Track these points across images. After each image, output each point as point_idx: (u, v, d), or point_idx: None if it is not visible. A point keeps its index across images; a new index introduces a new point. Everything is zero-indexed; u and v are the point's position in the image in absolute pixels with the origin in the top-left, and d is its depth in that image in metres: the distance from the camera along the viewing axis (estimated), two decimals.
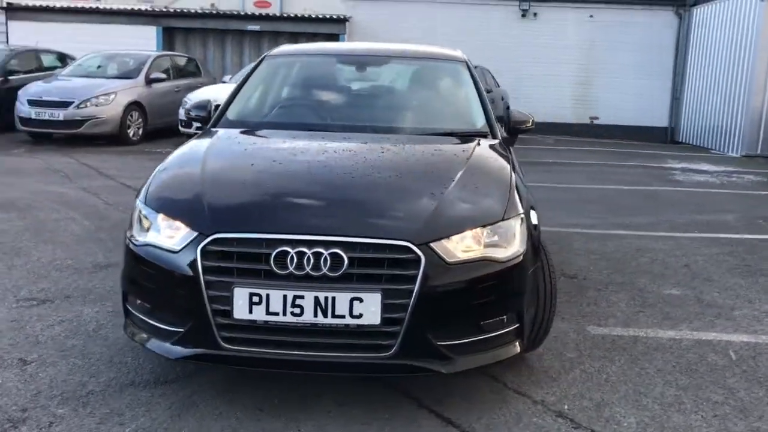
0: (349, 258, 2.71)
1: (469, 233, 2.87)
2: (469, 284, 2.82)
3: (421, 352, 2.79)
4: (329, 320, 2.70)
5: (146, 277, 2.94)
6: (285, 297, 2.69)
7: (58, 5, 16.93)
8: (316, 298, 2.68)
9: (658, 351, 3.71)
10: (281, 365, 2.77)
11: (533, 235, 3.16)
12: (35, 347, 3.49)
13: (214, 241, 2.77)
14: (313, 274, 2.70)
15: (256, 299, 2.70)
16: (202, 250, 2.76)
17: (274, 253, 2.71)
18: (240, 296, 2.71)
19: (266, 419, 2.86)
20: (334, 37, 16.55)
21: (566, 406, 3.08)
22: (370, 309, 2.69)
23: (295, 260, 2.69)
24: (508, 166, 3.46)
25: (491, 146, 3.77)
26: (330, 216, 2.88)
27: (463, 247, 2.84)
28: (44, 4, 16.88)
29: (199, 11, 16.90)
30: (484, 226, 2.93)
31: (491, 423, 2.91)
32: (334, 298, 2.68)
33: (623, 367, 3.49)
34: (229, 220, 2.86)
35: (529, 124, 4.23)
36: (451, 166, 3.35)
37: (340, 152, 3.48)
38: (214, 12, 17.04)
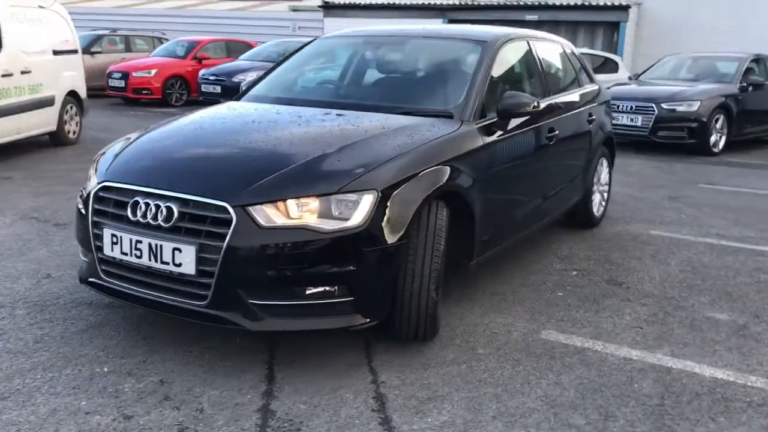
0: (179, 212, 3.02)
1: (293, 201, 2.96)
2: (279, 250, 2.92)
3: (232, 307, 2.98)
4: (159, 265, 3.05)
5: (78, 218, 3.59)
6: (131, 240, 3.11)
7: (364, 2, 18.89)
8: (150, 244, 3.06)
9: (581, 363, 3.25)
10: (130, 299, 3.20)
11: (401, 214, 3.09)
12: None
13: (101, 188, 3.31)
14: (151, 222, 3.07)
15: (115, 239, 3.18)
16: (94, 195, 3.33)
17: (130, 202, 3.15)
18: (107, 236, 3.21)
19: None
20: (614, 26, 15.73)
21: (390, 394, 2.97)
22: (186, 259, 2.98)
23: (143, 210, 3.10)
24: (413, 145, 3.37)
25: (431, 125, 3.65)
26: (180, 175, 3.20)
27: (286, 213, 2.95)
28: (353, 1, 18.97)
29: (482, 3, 17.41)
30: (317, 196, 2.98)
31: (315, 392, 2.97)
32: (161, 246, 3.02)
33: (502, 368, 3.17)
34: (116, 172, 3.36)
35: (526, 109, 3.91)
36: (352, 138, 3.40)
37: (271, 123, 3.74)
38: (496, 4, 17.38)
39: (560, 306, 4.00)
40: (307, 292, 2.98)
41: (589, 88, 5.63)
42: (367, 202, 3.01)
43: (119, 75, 15.45)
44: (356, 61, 4.68)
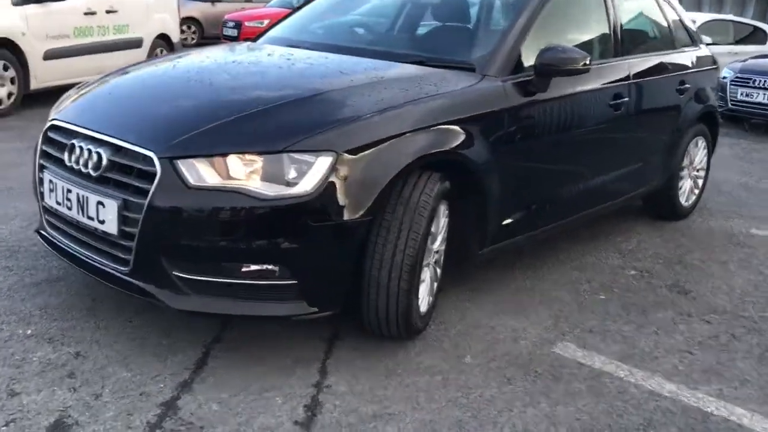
0: (108, 161, 2.57)
1: (235, 158, 2.42)
2: (209, 216, 2.39)
3: (154, 277, 2.50)
4: (85, 220, 2.62)
5: None
6: (63, 188, 2.70)
7: None
8: (78, 195, 2.63)
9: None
10: (66, 256, 2.79)
11: (368, 184, 2.49)
12: None
13: (50, 128, 2.92)
14: (82, 170, 2.64)
15: (51, 186, 2.78)
16: (42, 135, 2.94)
17: (68, 144, 2.73)
18: (46, 182, 2.82)
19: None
20: None
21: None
22: (108, 216, 2.53)
23: (77, 154, 2.67)
24: (403, 100, 2.71)
25: (440, 78, 2.97)
26: (118, 118, 2.73)
27: (225, 172, 2.42)
28: None
29: None
30: (260, 153, 2.42)
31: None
32: (87, 198, 2.59)
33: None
34: (68, 111, 2.95)
35: (571, 66, 3.13)
36: (329, 87, 2.80)
37: (250, 65, 3.20)
38: None
39: (596, 313, 3.25)
40: (243, 269, 2.45)
41: (688, 51, 4.66)
42: (321, 165, 2.42)
43: (233, 24, 15.41)
44: (376, 3, 4.04)
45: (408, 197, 2.61)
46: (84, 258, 2.70)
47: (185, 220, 2.42)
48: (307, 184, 2.40)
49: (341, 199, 2.44)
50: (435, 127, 2.73)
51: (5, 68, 6.75)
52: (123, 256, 2.54)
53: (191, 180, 2.41)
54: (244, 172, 2.42)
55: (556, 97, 3.28)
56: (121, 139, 2.57)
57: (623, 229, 4.50)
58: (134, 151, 2.51)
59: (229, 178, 2.42)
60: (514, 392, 2.55)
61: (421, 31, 3.81)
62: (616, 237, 4.33)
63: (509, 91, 3.08)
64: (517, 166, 3.12)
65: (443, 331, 2.96)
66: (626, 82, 3.81)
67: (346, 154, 2.46)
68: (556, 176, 3.47)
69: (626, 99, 3.76)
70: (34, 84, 7.11)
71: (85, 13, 7.73)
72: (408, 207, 2.60)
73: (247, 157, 2.43)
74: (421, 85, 2.87)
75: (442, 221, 2.89)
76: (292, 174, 2.41)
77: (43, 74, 7.15)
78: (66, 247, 2.79)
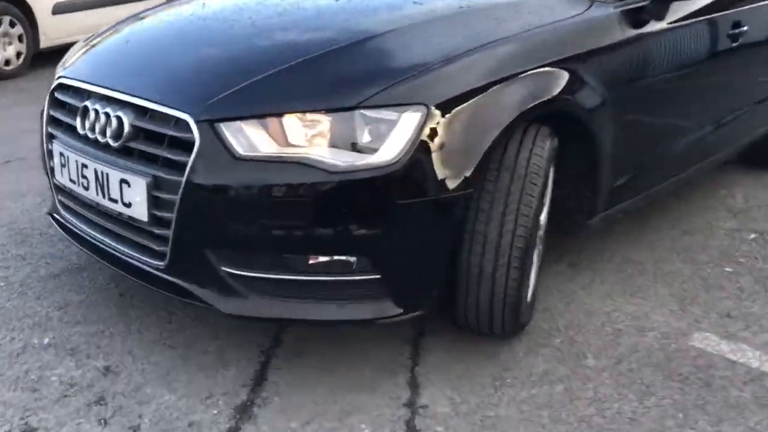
0: (132, 127, 2.01)
1: (292, 118, 1.85)
2: (265, 194, 1.83)
3: (198, 274, 1.97)
4: (107, 202, 2.08)
5: None
6: (77, 163, 2.15)
7: None
8: (96, 171, 2.08)
9: None
10: (85, 245, 2.26)
11: (468, 146, 1.91)
12: None
13: (57, 87, 2.36)
14: (99, 139, 2.09)
15: (63, 161, 2.23)
16: (50, 96, 2.38)
17: (80, 107, 2.17)
18: (56, 154, 2.28)
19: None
20: None
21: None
22: (136, 198, 1.98)
23: (91, 120, 2.12)
24: (500, 35, 2.10)
25: (540, 4, 2.33)
26: (145, 72, 2.15)
27: (281, 136, 1.85)
28: None
29: None
30: (327, 111, 1.85)
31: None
32: (107, 175, 2.04)
33: None
34: (77, 65, 2.38)
35: None
36: (398, 22, 2.17)
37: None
38: None
39: (726, 290, 2.67)
40: (311, 261, 1.90)
41: None
42: (409, 124, 1.84)
43: None
44: None
45: (514, 161, 2.03)
46: (108, 249, 2.16)
47: (235, 201, 1.86)
48: (389, 150, 1.83)
49: (434, 167, 1.87)
50: (541, 69, 2.12)
51: (11, 24, 6.17)
52: (157, 248, 2.00)
53: (240, 149, 1.84)
54: (305, 137, 1.85)
55: (672, 27, 2.63)
56: (145, 99, 2.00)
57: (725, 182, 3.87)
58: (164, 113, 1.95)
59: (288, 144, 1.85)
60: (659, 406, 2.00)
61: None
62: (720, 192, 3.71)
63: (623, 20, 2.45)
64: (631, 113, 2.50)
65: (551, 323, 2.40)
66: (747, 6, 3.15)
67: (436, 109, 1.87)
68: (672, 123, 2.84)
69: (746, 27, 3.10)
70: (45, 42, 6.53)
71: None
72: (515, 173, 2.02)
73: (309, 116, 1.86)
74: (519, 15, 2.26)
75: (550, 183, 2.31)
76: (368, 137, 1.84)
77: (53, 30, 6.56)
78: (85, 235, 2.26)
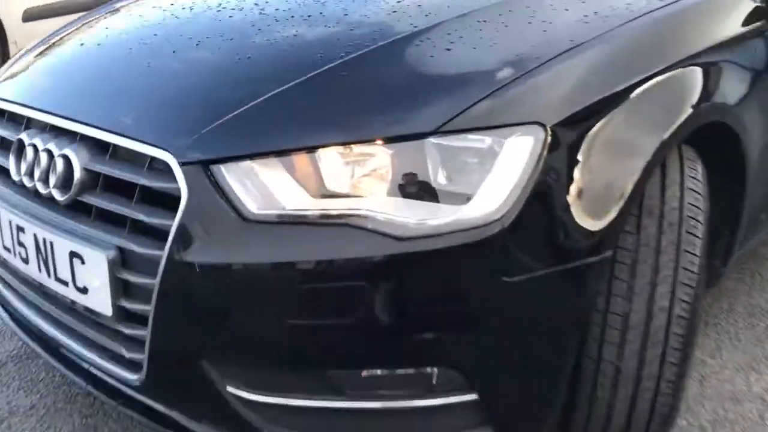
0: (86, 171, 1.32)
1: (332, 153, 1.17)
2: (299, 276, 1.15)
3: (190, 397, 1.28)
4: (53, 284, 1.39)
5: None
6: (11, 224, 1.46)
7: None
8: (35, 238, 1.39)
9: None
10: (36, 341, 1.57)
11: (609, 183, 1.23)
12: None
13: None
14: (40, 190, 1.39)
15: None
16: None
17: (15, 141, 1.49)
18: None
19: None
20: None
21: None
22: (93, 282, 1.30)
23: (29, 159, 1.43)
24: (624, 18, 1.41)
25: None
26: (103, 92, 1.44)
27: (314, 181, 1.17)
28: None
29: None
30: (386, 141, 1.16)
31: None
32: (52, 245, 1.35)
33: None
34: (9, 84, 1.68)
35: None
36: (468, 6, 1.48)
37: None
38: None
39: None
40: (364, 373, 1.22)
41: None
42: (518, 154, 1.16)
43: None
44: None
45: (660, 202, 1.35)
46: (60, 349, 1.48)
47: (247, 289, 1.17)
48: (490, 197, 1.14)
49: (560, 220, 1.19)
50: (686, 65, 1.44)
51: None
52: (128, 355, 1.31)
53: (251, 204, 1.16)
54: (352, 181, 1.18)
55: None
56: (105, 129, 1.32)
57: None
58: (133, 150, 1.27)
59: (325, 195, 1.17)
60: None
61: None
62: None
63: None
64: None
65: (690, 416, 1.71)
66: None
67: (557, 131, 1.19)
68: None
69: None
70: (15, 51, 5.85)
71: None
72: (665, 220, 1.34)
73: (357, 150, 1.17)
74: None
75: None
76: (453, 179, 1.16)
77: (24, 39, 5.85)
78: (30, 325, 1.57)
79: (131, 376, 1.31)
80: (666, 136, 1.31)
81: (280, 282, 1.15)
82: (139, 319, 1.26)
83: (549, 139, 1.17)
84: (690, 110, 1.40)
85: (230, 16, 1.57)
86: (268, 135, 1.20)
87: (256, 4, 1.60)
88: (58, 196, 1.35)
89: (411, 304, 1.15)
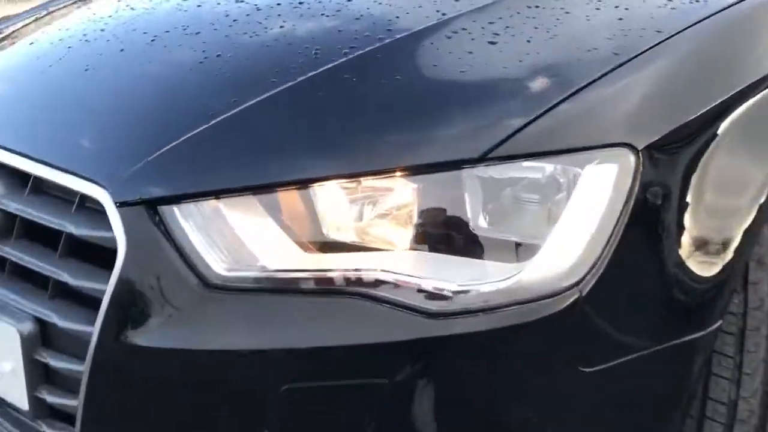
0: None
1: (331, 189, 0.81)
2: (283, 370, 0.80)
3: None
4: None
5: None
6: None
7: None
8: None
9: None
10: None
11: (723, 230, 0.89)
12: None
13: None
14: None
15: None
16: None
17: None
18: None
19: None
20: None
21: None
22: (4, 365, 0.94)
23: None
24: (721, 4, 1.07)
25: None
26: (20, 115, 1.08)
27: (303, 228, 0.82)
28: None
29: None
30: (406, 173, 0.81)
31: None
32: None
33: None
34: None
35: None
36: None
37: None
38: None
39: None
40: None
41: None
42: (600, 188, 0.81)
43: None
44: None
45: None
46: None
47: (210, 387, 0.82)
48: (562, 252, 0.80)
49: (668, 282, 0.84)
50: None
51: None
52: None
53: (216, 262, 0.81)
54: (357, 229, 0.82)
55: None
56: (23, 154, 0.95)
57: None
58: (57, 184, 0.91)
59: (323, 248, 0.82)
60: None
61: None
62: None
63: None
64: None
65: None
66: None
67: (655, 154, 0.84)
68: None
69: None
70: None
71: None
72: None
73: (367, 184, 0.82)
74: None
75: None
76: (505, 224, 0.81)
77: None
78: None
79: None
80: None
81: (254, 380, 0.79)
82: (65, 417, 0.91)
83: (642, 166, 0.83)
84: None
85: (199, 5, 1.21)
86: (241, 163, 0.85)
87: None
88: None
89: (442, 415, 0.80)
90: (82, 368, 0.85)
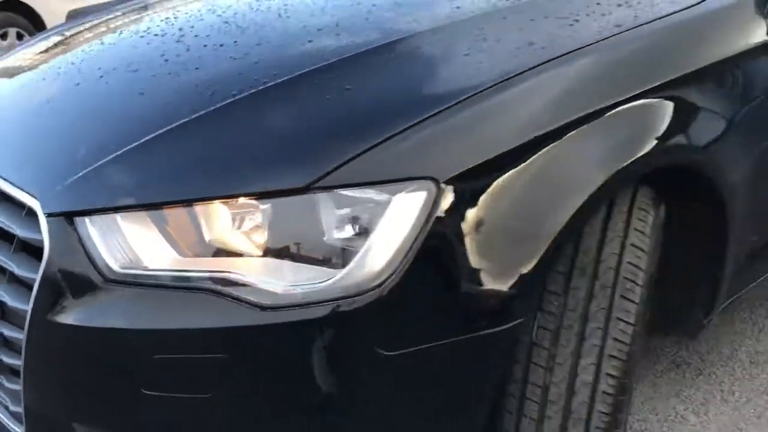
0: None
1: (207, 207, 1.06)
2: (152, 346, 1.05)
3: None
4: None
5: None
6: None
7: None
8: None
9: None
10: None
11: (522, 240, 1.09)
12: None
13: None
14: None
15: None
16: None
17: None
18: None
19: None
20: None
21: None
22: None
23: None
24: (568, 47, 1.23)
25: None
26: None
27: (185, 238, 1.06)
28: None
29: None
30: (260, 197, 1.04)
31: None
32: None
33: None
34: None
35: None
36: (412, 29, 1.32)
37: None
38: None
39: None
40: None
41: None
42: (407, 212, 1.03)
43: None
44: None
45: (595, 258, 1.20)
46: None
47: (105, 355, 1.08)
48: (372, 261, 1.02)
49: (452, 285, 1.06)
50: (648, 97, 1.27)
51: (19, 37, 5.62)
52: (11, 408, 1.25)
53: (112, 261, 1.07)
54: (223, 240, 1.07)
55: None
56: None
57: None
58: (7, 194, 1.20)
59: (197, 253, 1.07)
60: None
61: None
62: None
63: None
64: None
65: None
66: None
67: (452, 186, 1.05)
68: None
69: None
70: None
71: None
72: (598, 281, 1.19)
73: (232, 204, 1.06)
74: (601, 6, 1.40)
75: None
76: (332, 238, 1.04)
77: None
78: None
79: (18, 429, 1.25)
80: (597, 186, 1.14)
81: (133, 351, 1.05)
82: (16, 373, 1.19)
83: (443, 195, 1.04)
84: (644, 150, 1.23)
85: (148, 43, 1.47)
86: (138, 185, 1.11)
87: (180, 29, 1.50)
88: None
89: (272, 384, 1.04)
90: (21, 337, 1.13)
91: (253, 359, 1.03)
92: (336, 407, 1.05)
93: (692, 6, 1.43)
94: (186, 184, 1.09)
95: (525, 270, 1.08)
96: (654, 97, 1.27)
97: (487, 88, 1.12)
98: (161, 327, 1.04)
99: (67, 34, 1.81)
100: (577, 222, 1.14)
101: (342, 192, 1.04)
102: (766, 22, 1.52)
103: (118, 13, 1.89)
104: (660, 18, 1.38)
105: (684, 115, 1.34)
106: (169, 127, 1.15)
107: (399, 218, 1.03)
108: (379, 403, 1.06)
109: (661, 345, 1.99)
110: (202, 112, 1.16)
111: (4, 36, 5.49)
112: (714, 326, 2.07)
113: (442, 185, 1.04)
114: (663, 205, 1.36)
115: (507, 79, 1.13)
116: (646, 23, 1.36)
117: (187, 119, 1.15)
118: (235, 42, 1.38)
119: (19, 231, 1.16)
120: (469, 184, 1.06)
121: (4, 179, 1.21)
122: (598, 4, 1.39)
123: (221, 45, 1.38)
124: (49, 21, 5.74)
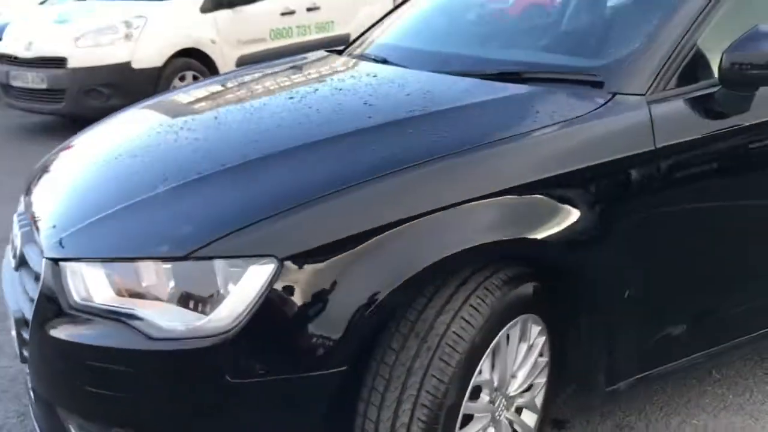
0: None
1: (145, 265, 1.53)
2: (81, 356, 1.55)
3: (51, 427, 1.72)
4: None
5: None
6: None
7: None
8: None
9: None
10: None
11: (340, 304, 1.45)
12: None
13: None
14: (11, 260, 1.96)
15: None
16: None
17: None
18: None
19: None
20: None
21: None
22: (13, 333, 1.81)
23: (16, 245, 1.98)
24: (444, 150, 1.58)
25: (526, 102, 1.74)
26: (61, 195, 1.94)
27: (126, 284, 1.54)
28: None
29: None
30: (162, 260, 1.50)
31: None
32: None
33: None
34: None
35: None
36: (317, 135, 1.77)
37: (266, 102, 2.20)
38: None
39: None
40: None
41: None
42: (255, 280, 1.43)
43: None
44: None
45: (431, 323, 1.51)
46: None
47: (67, 357, 1.58)
48: (223, 313, 1.43)
49: (287, 335, 1.45)
50: (502, 195, 1.57)
51: (195, 79, 6.59)
52: (29, 384, 1.79)
53: (75, 295, 1.57)
54: (156, 289, 1.52)
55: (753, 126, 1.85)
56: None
57: None
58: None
59: (133, 295, 1.54)
60: None
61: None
62: None
63: (664, 119, 1.75)
64: (672, 257, 1.81)
65: None
66: None
67: (292, 263, 1.43)
68: (737, 269, 2.02)
69: None
70: None
71: (282, 14, 7.34)
72: (427, 341, 1.50)
73: (162, 265, 1.52)
74: (483, 114, 1.71)
75: (528, 344, 1.73)
76: (203, 294, 1.47)
77: None
78: None
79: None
80: (426, 264, 1.46)
81: (78, 358, 1.55)
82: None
83: (282, 268, 1.42)
84: (479, 240, 1.52)
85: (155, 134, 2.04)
86: (99, 245, 1.61)
87: (181, 127, 2.05)
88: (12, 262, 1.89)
89: (156, 391, 1.50)
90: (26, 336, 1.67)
91: (144, 373, 1.48)
92: (198, 414, 1.48)
93: (576, 118, 1.69)
94: (124, 247, 1.57)
95: (340, 333, 1.43)
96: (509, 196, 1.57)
97: (325, 194, 1.51)
98: (93, 343, 1.52)
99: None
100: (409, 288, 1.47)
101: (213, 261, 1.46)
102: (655, 129, 1.73)
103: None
104: (530, 129, 1.66)
105: (558, 212, 1.61)
106: (125, 204, 1.64)
107: (249, 282, 1.43)
108: (226, 417, 1.46)
109: (610, 409, 2.15)
110: (145, 196, 1.65)
111: (182, 78, 6.48)
112: (668, 395, 2.21)
113: (285, 262, 1.42)
114: (532, 282, 1.63)
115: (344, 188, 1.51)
116: (526, 132, 1.65)
117: (137, 199, 1.65)
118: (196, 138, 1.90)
119: (37, 268, 1.70)
120: (307, 261, 1.43)
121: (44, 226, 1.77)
122: (466, 120, 1.73)
123: (197, 138, 1.88)
124: (222, 65, 6.67)
